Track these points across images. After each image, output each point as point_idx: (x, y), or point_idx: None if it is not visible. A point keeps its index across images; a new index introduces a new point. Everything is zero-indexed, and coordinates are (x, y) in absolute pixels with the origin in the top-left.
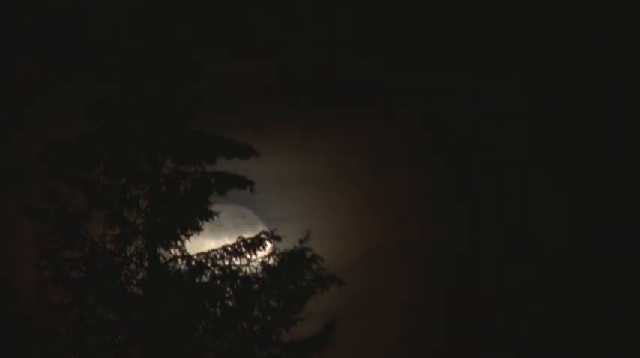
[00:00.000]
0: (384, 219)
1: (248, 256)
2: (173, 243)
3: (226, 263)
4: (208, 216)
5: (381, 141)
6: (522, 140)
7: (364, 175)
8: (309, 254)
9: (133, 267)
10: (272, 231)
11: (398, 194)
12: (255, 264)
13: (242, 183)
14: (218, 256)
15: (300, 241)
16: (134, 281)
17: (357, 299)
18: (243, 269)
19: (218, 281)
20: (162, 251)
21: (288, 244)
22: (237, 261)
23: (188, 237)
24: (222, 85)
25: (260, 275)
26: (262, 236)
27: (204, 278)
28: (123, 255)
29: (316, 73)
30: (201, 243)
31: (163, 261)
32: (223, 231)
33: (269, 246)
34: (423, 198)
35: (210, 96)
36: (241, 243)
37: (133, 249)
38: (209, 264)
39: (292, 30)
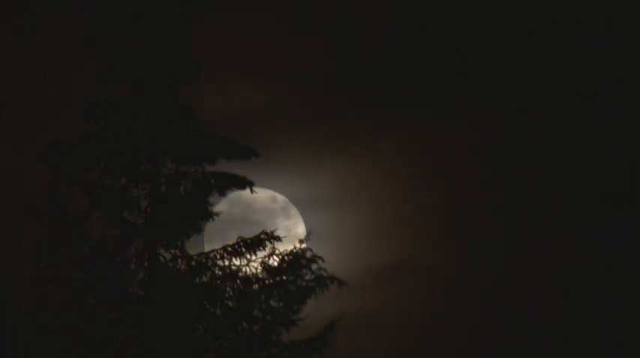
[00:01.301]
0: (416, 232)
1: (248, 256)
2: (173, 243)
3: (226, 263)
4: (209, 216)
5: (414, 150)
6: (524, 141)
7: (398, 187)
8: (309, 254)
9: (132, 267)
10: (272, 231)
11: (433, 207)
12: (255, 264)
13: (242, 183)
14: (218, 256)
15: (300, 241)
16: (134, 281)
17: (380, 311)
18: (243, 270)
19: (218, 282)
20: (162, 251)
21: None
22: (237, 261)
23: (188, 237)
24: (222, 89)
25: (260, 275)
26: (262, 236)
27: (204, 279)
28: (123, 255)
29: (318, 77)
30: (235, 228)
31: (163, 261)
32: (256, 215)
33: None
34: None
35: (210, 99)
36: (241, 243)
37: (133, 249)
38: (209, 264)
39: (292, 31)
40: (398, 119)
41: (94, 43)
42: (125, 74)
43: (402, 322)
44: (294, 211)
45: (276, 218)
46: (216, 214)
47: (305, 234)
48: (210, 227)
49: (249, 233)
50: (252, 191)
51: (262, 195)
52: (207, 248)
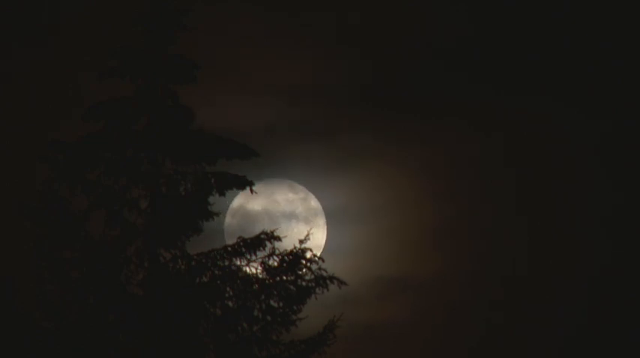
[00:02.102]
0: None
1: (248, 256)
2: (173, 243)
3: (226, 263)
4: (209, 216)
5: (436, 163)
6: (546, 153)
7: (418, 200)
8: (309, 254)
9: (132, 267)
10: (272, 231)
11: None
12: (255, 264)
13: (242, 183)
14: (218, 256)
15: (301, 241)
16: (134, 281)
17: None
18: (243, 269)
19: (218, 282)
20: (162, 251)
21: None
22: (237, 261)
23: (188, 237)
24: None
25: (260, 275)
26: (262, 236)
27: (204, 279)
28: (123, 255)
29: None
30: (255, 219)
31: (163, 261)
32: (277, 206)
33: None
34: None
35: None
36: (241, 243)
37: (132, 249)
38: (209, 264)
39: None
40: (424, 131)
41: (94, 42)
42: (125, 74)
43: (411, 334)
44: (314, 202)
45: (296, 208)
46: (216, 214)
47: (324, 224)
48: (230, 219)
49: (269, 223)
50: (252, 191)
51: (282, 186)
52: (227, 241)
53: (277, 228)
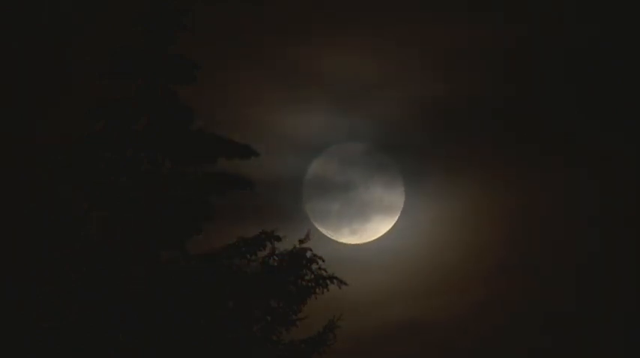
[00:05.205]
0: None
1: (248, 256)
2: (173, 243)
3: (226, 263)
4: (209, 216)
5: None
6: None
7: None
8: (309, 254)
9: (132, 267)
10: (272, 231)
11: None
12: (255, 264)
13: (243, 183)
14: (218, 256)
15: (300, 241)
16: (134, 281)
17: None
18: (243, 270)
19: (218, 282)
20: (162, 251)
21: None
22: (237, 261)
23: (189, 237)
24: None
25: (260, 275)
26: (262, 236)
27: (204, 279)
28: (123, 255)
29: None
30: (331, 177)
31: (163, 261)
32: (355, 169)
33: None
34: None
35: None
36: (241, 243)
37: (133, 248)
38: (209, 264)
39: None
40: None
41: (94, 42)
42: (125, 74)
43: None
44: (392, 168)
45: (373, 175)
46: (214, 215)
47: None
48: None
49: (343, 189)
50: (253, 191)
51: (358, 147)
52: (306, 206)
53: (277, 228)
